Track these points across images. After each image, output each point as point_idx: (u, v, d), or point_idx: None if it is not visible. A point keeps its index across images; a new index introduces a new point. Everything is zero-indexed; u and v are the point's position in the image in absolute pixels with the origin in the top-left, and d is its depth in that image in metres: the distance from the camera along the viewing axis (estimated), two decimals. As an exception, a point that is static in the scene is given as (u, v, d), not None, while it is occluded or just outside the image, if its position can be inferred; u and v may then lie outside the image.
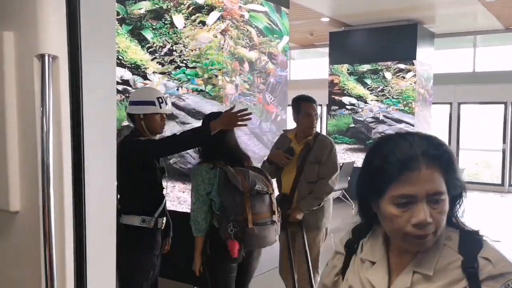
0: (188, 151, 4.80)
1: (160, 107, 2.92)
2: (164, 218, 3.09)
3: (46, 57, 1.48)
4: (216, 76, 4.60)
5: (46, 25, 1.50)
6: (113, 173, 1.78)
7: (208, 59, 4.66)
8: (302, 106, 3.59)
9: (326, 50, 10.89)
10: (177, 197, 4.88)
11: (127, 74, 5.21)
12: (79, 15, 1.53)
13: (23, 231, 1.60)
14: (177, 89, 4.84)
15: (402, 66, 9.54)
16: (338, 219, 8.64)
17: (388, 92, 9.73)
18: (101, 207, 1.68)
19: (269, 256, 5.08)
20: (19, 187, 1.58)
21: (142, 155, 2.93)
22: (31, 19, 1.50)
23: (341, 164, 8.90)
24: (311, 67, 13.67)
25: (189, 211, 4.76)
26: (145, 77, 5.12)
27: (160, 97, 2.95)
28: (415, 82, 9.44)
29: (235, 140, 3.07)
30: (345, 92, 10.19)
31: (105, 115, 1.72)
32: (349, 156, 10.02)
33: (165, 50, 4.95)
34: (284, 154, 3.63)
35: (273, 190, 3.03)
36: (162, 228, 3.10)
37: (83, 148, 1.59)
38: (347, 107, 10.17)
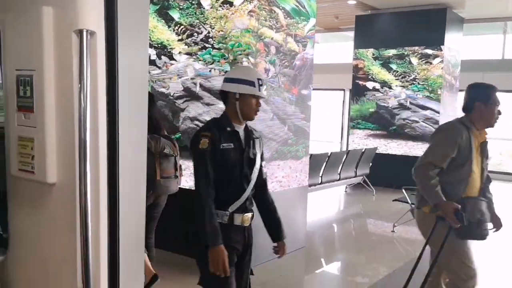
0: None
1: (259, 90, 2.59)
2: (247, 214, 2.60)
3: (84, 33, 1.51)
4: (240, 55, 4.60)
5: (85, 1, 1.53)
6: (144, 147, 1.82)
7: (234, 40, 4.66)
8: (494, 95, 3.14)
9: (351, 34, 10.75)
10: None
11: (153, 54, 5.24)
12: (116, -9, 1.55)
13: (59, 202, 1.66)
14: (210, 71, 4.84)
15: (429, 51, 9.37)
16: (358, 205, 8.67)
17: (414, 78, 9.59)
18: (133, 179, 1.72)
19: (292, 238, 5.13)
20: (56, 160, 1.63)
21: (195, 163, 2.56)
22: (70, -6, 1.53)
23: (363, 150, 8.87)
24: (335, 51, 13.52)
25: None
26: (171, 57, 5.15)
27: (260, 79, 2.63)
28: (442, 68, 9.27)
29: (158, 112, 3.62)
30: (370, 77, 10.07)
31: (137, 91, 1.75)
32: (371, 142, 9.95)
33: (199, 34, 4.96)
34: (453, 208, 2.92)
35: (177, 154, 3.97)
36: (244, 225, 2.60)
37: (118, 122, 1.62)
38: (371, 92, 10.08)
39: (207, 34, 4.87)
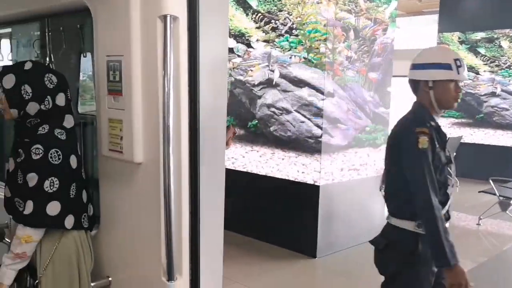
0: (289, 119, 4.86)
1: (458, 73, 2.18)
2: (447, 223, 2.24)
3: (168, 18, 1.58)
4: (318, 41, 4.55)
5: (169, -13, 1.59)
6: (223, 129, 1.88)
7: (311, 26, 4.62)
8: None
9: (435, 17, 10.25)
10: (276, 164, 4.98)
11: (231, 42, 5.34)
12: (198, -22, 1.60)
13: (145, 180, 1.76)
14: (290, 58, 4.84)
15: (521, 34, 8.73)
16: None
17: (505, 63, 8.97)
18: (212, 158, 1.78)
19: (369, 228, 5.05)
20: (142, 141, 1.73)
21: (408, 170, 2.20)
22: (155, -19, 1.60)
23: (447, 139, 8.47)
24: (418, 36, 12.96)
25: (287, 177, 4.83)
26: (249, 45, 5.22)
27: (458, 59, 2.21)
28: (536, 52, 8.60)
29: None
30: (454, 62, 9.59)
31: (217, 75, 1.80)
32: (456, 131, 9.47)
33: (276, 21, 4.98)
34: None
35: None
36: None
37: (199, 104, 1.68)
38: (455, 78, 9.57)
39: (285, 21, 4.87)
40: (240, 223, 4.83)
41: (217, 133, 1.82)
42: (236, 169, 5.33)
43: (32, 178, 1.77)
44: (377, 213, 5.28)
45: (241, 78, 5.32)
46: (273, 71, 5.01)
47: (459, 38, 9.57)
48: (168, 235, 1.59)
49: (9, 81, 1.80)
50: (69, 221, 1.84)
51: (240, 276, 4.03)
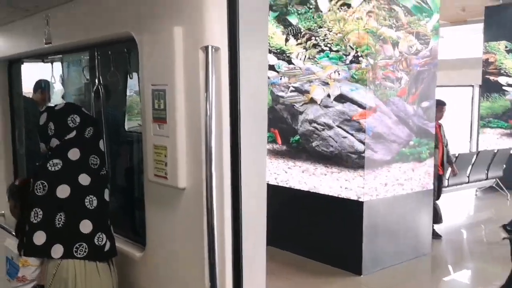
0: (331, 135, 4.84)
1: None
2: None
3: (210, 48, 1.63)
4: (360, 57, 4.54)
5: (210, 19, 1.65)
6: (264, 152, 1.91)
7: (352, 42, 4.61)
8: None
9: (479, 26, 9.98)
10: (319, 179, 4.97)
11: (272, 59, 5.40)
12: (238, 9, 1.65)
13: (188, 205, 1.81)
14: (337, 73, 4.84)
15: None
16: (490, 209, 8.02)
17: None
18: (254, 182, 1.81)
19: (415, 243, 4.95)
20: (185, 167, 1.78)
21: None
22: (197, 14, 1.67)
23: (495, 151, 8.18)
24: (462, 45, 12.64)
25: (330, 193, 4.81)
26: (289, 61, 5.26)
27: None
28: None
29: None
30: (502, 71, 9.27)
31: (257, 100, 1.84)
32: (505, 142, 9.14)
33: (316, 38, 5.01)
34: None
35: None
36: None
37: (240, 131, 1.72)
38: (504, 88, 9.26)
39: (325, 37, 4.89)
40: (282, 240, 4.83)
41: (258, 155, 1.86)
42: (279, 184, 5.35)
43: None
44: (423, 229, 5.16)
45: (282, 94, 5.36)
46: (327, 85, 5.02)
47: (506, 47, 9.28)
48: (212, 259, 1.62)
49: (42, 118, 2.06)
50: (57, 250, 1.90)
51: (283, 293, 4.03)
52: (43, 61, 3.22)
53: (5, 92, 3.31)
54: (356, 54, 4.60)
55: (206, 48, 1.63)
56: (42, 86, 3.78)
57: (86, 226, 1.93)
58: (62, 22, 2.46)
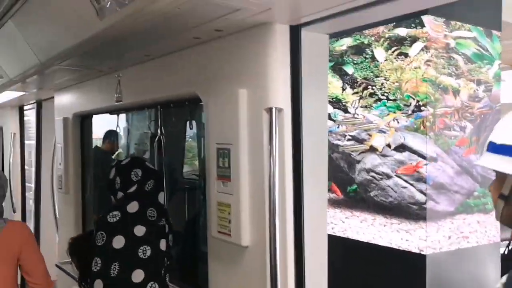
0: (390, 184, 4.75)
1: None
2: None
3: (274, 110, 1.69)
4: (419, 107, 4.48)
5: (274, 82, 1.72)
6: (325, 213, 1.92)
7: (410, 91, 4.58)
8: None
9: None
10: (378, 230, 4.84)
11: (328, 108, 5.43)
12: (301, 72, 1.71)
13: (251, 262, 1.83)
14: (396, 121, 4.81)
15: None
16: None
17: None
18: (316, 240, 1.81)
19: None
20: (249, 225, 1.82)
21: None
22: (261, 78, 1.74)
23: None
24: (526, 88, 12.17)
25: (390, 245, 4.68)
26: (346, 110, 5.27)
27: None
28: None
29: None
30: None
31: (319, 157, 1.87)
32: None
33: (373, 87, 5.03)
34: None
35: None
36: None
37: (302, 189, 1.74)
38: None
39: (382, 86, 4.88)
40: None
41: (320, 212, 1.87)
42: (336, 234, 5.26)
43: None
44: (490, 284, 4.87)
45: (339, 143, 5.35)
46: (370, 135, 4.98)
47: None
48: (276, 319, 1.62)
49: (112, 173, 2.21)
50: None
51: None
52: (110, 113, 3.44)
53: (77, 145, 3.53)
54: (415, 104, 4.55)
55: (270, 109, 1.69)
56: (111, 137, 4.04)
57: (137, 275, 2.01)
58: (132, 81, 2.63)
